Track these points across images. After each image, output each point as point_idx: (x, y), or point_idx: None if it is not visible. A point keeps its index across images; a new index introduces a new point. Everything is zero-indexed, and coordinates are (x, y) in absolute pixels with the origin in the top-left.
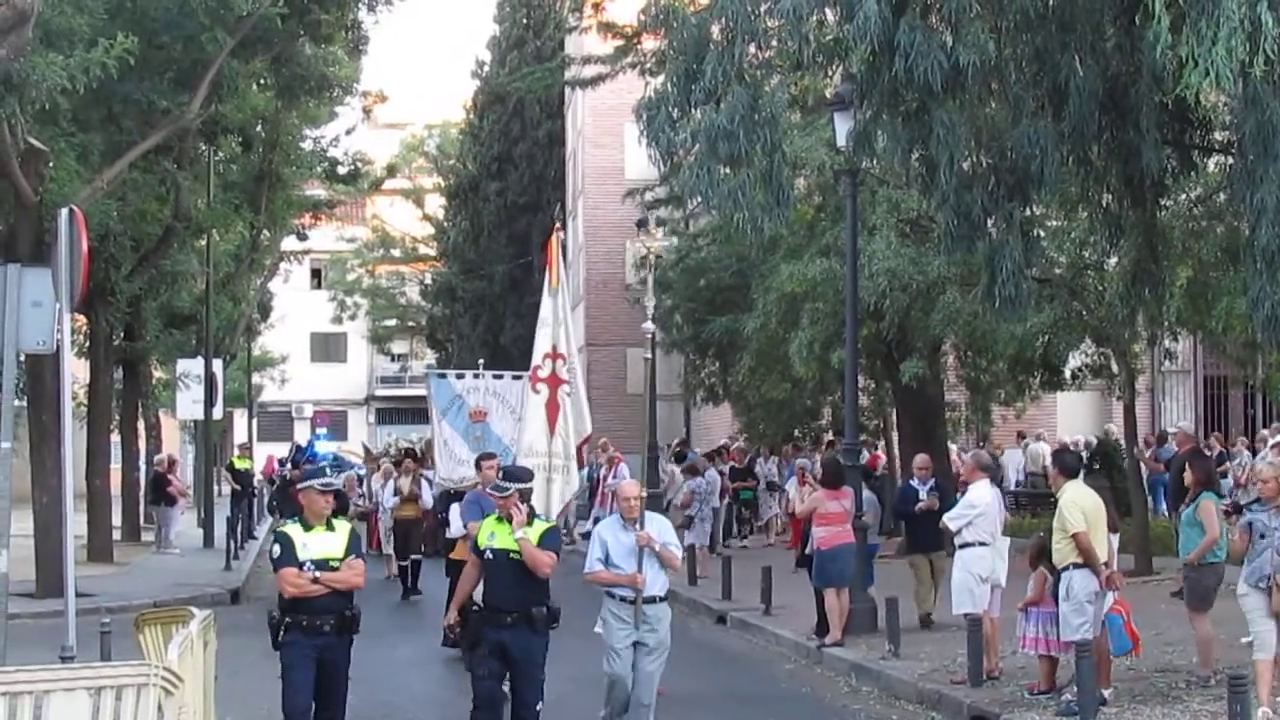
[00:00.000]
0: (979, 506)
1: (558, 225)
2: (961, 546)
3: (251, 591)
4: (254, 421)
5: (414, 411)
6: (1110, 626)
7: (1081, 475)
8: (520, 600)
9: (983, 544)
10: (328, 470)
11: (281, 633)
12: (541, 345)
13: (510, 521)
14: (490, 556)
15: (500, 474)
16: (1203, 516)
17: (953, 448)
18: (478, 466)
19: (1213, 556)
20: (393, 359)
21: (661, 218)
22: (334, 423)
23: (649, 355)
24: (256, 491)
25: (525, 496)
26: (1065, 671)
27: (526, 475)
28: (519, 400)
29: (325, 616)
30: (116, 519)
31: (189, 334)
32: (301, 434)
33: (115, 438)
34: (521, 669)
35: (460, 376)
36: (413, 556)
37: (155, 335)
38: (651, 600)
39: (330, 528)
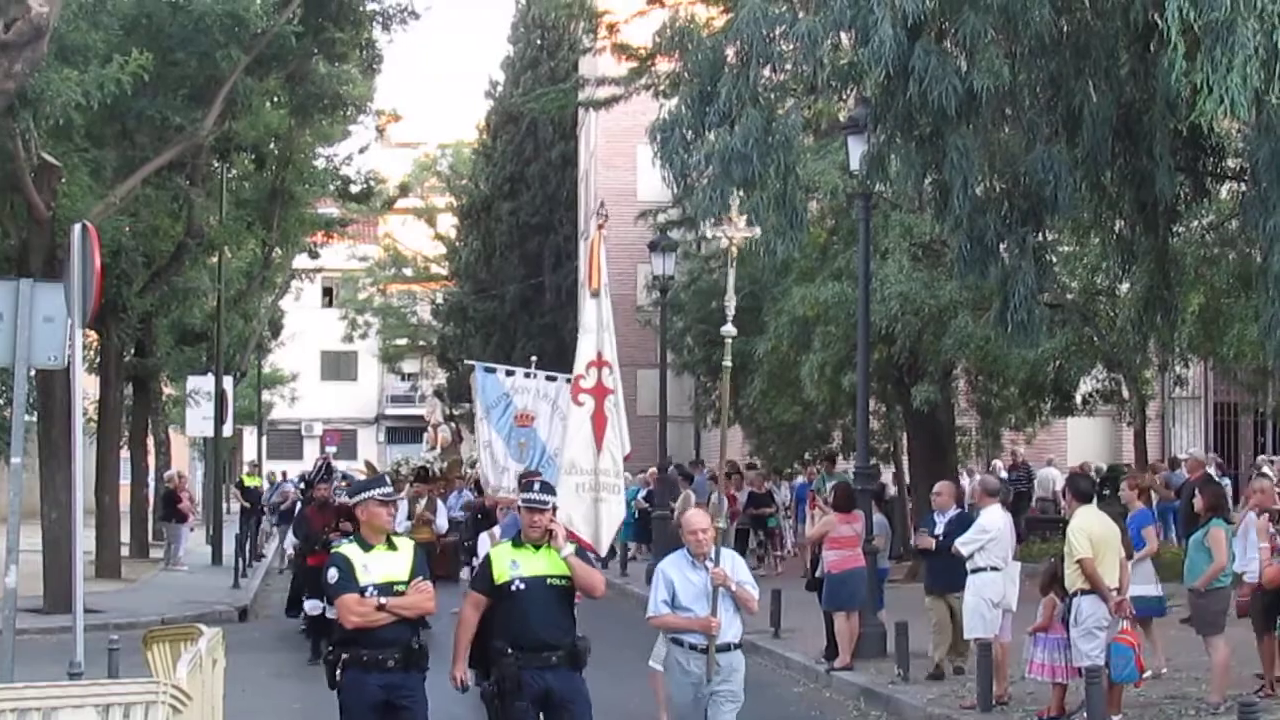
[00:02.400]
0: (991, 531)
1: (600, 222)
2: (973, 571)
3: (260, 609)
4: (263, 439)
5: (424, 431)
6: (1117, 654)
7: (1095, 501)
8: (565, 634)
9: (994, 569)
10: (386, 479)
11: (339, 671)
12: (585, 352)
13: (538, 545)
14: (521, 588)
15: (538, 487)
16: (1211, 543)
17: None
18: (520, 484)
19: (1219, 582)
20: (403, 378)
21: (674, 240)
22: (344, 441)
23: (728, 362)
24: (265, 510)
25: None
26: (1075, 697)
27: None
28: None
29: (389, 649)
30: (125, 535)
31: (200, 351)
32: (311, 452)
33: (125, 454)
34: (574, 713)
35: (510, 373)
36: None
37: (166, 352)
38: (726, 648)
39: (392, 546)
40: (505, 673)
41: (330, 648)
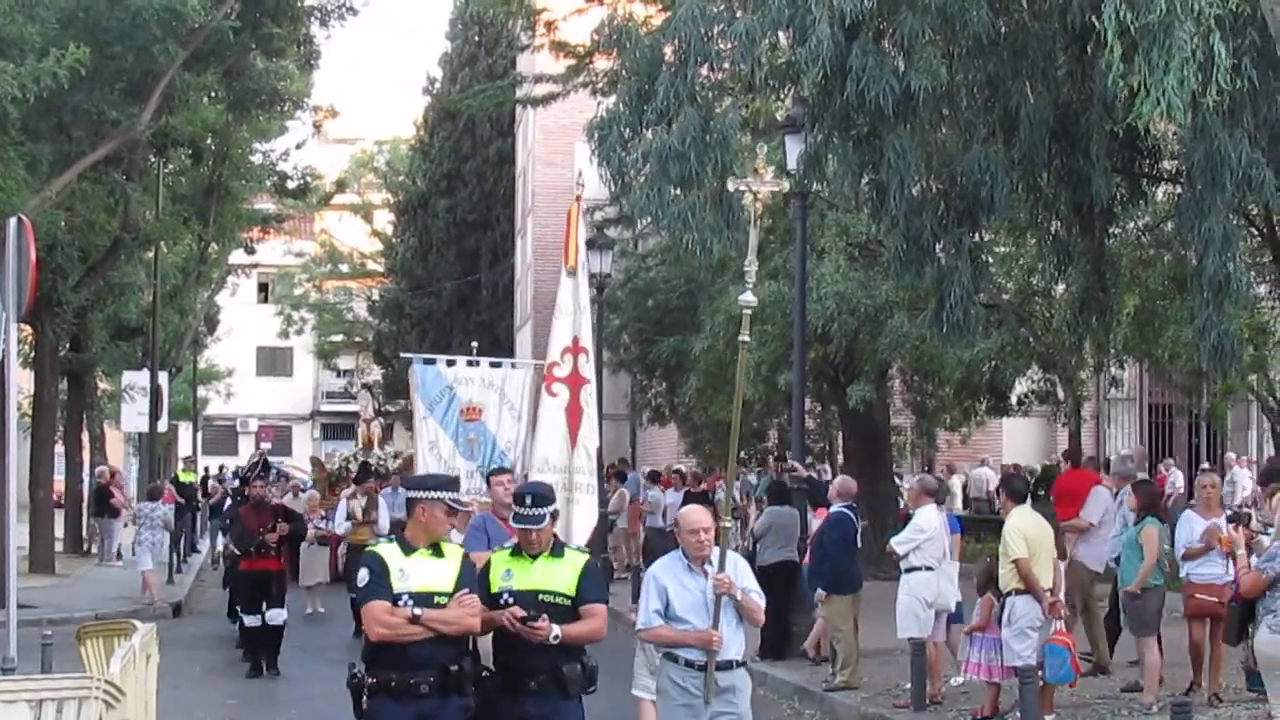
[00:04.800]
0: (927, 531)
1: (579, 190)
2: (907, 571)
3: (193, 605)
4: (199, 435)
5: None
6: (1052, 655)
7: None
8: (556, 657)
9: (928, 568)
10: (459, 481)
11: (365, 697)
12: (559, 338)
13: (535, 555)
14: (510, 602)
15: (530, 500)
16: (1144, 541)
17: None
18: (488, 483)
19: (1154, 581)
20: (339, 374)
21: (611, 238)
22: (279, 437)
23: (746, 336)
24: (200, 508)
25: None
26: (1008, 697)
27: (552, 494)
28: (520, 395)
29: (423, 672)
30: (59, 530)
31: (135, 346)
32: (246, 448)
33: (59, 449)
34: None
35: (451, 363)
36: None
37: (101, 346)
38: (728, 666)
39: (438, 553)
40: (482, 696)
41: (355, 669)
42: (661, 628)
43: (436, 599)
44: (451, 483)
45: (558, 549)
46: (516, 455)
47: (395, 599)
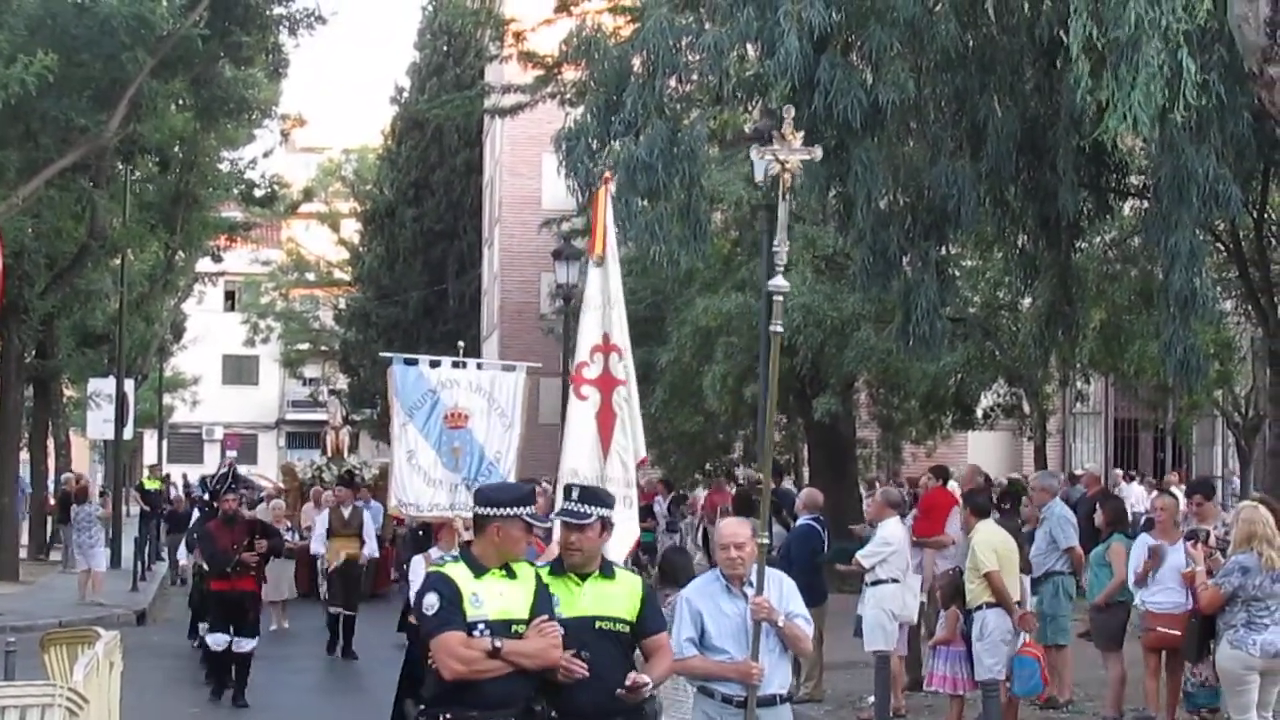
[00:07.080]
0: (892, 544)
1: (608, 175)
2: (874, 584)
3: (158, 613)
4: (164, 442)
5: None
6: (1021, 667)
7: (993, 515)
8: (618, 696)
9: (894, 580)
10: (533, 494)
11: None
12: (588, 335)
13: (583, 575)
14: (561, 633)
15: (577, 494)
16: (1112, 558)
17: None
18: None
19: (1121, 596)
20: (304, 383)
21: (578, 248)
22: (244, 446)
23: (778, 327)
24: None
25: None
26: (973, 710)
27: (611, 499)
28: (511, 400)
29: (504, 711)
30: (23, 537)
31: (101, 353)
32: (211, 456)
33: (24, 456)
34: None
35: (435, 364)
36: (344, 612)
37: (67, 354)
38: (770, 702)
39: (511, 574)
40: None
41: (421, 707)
42: (695, 658)
43: (514, 628)
44: (526, 496)
45: (607, 569)
46: (507, 466)
47: (470, 628)
